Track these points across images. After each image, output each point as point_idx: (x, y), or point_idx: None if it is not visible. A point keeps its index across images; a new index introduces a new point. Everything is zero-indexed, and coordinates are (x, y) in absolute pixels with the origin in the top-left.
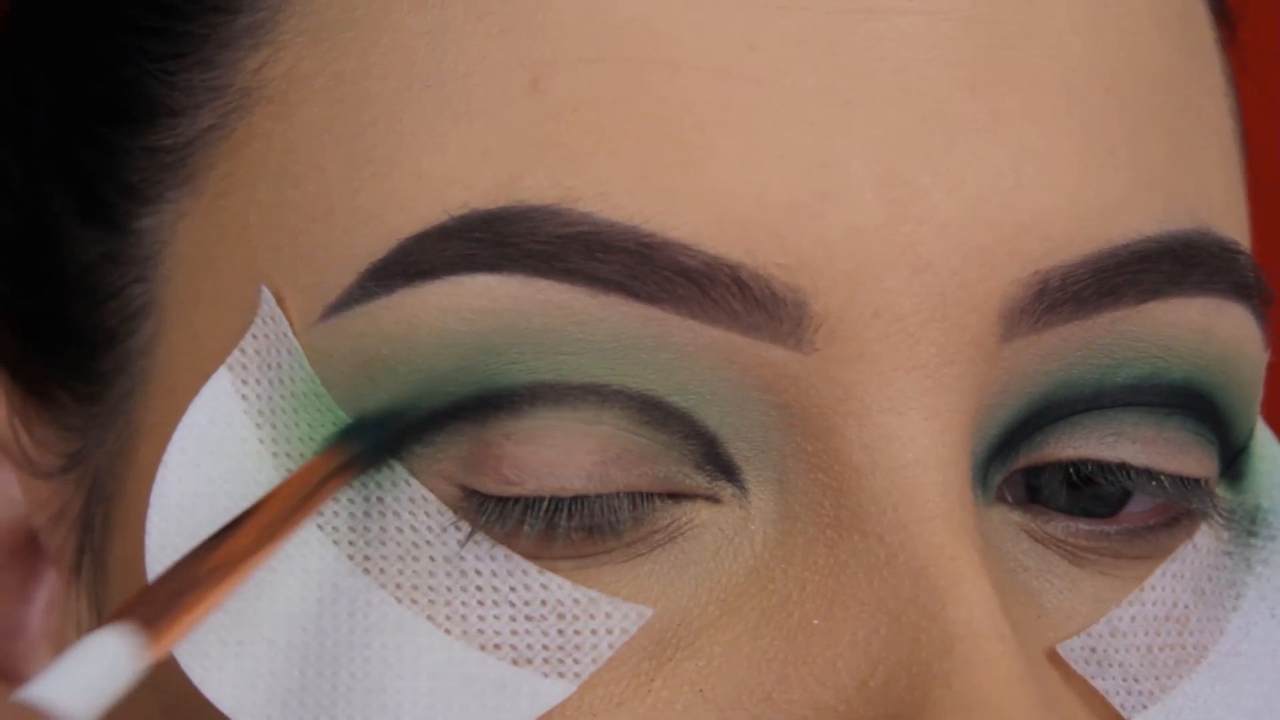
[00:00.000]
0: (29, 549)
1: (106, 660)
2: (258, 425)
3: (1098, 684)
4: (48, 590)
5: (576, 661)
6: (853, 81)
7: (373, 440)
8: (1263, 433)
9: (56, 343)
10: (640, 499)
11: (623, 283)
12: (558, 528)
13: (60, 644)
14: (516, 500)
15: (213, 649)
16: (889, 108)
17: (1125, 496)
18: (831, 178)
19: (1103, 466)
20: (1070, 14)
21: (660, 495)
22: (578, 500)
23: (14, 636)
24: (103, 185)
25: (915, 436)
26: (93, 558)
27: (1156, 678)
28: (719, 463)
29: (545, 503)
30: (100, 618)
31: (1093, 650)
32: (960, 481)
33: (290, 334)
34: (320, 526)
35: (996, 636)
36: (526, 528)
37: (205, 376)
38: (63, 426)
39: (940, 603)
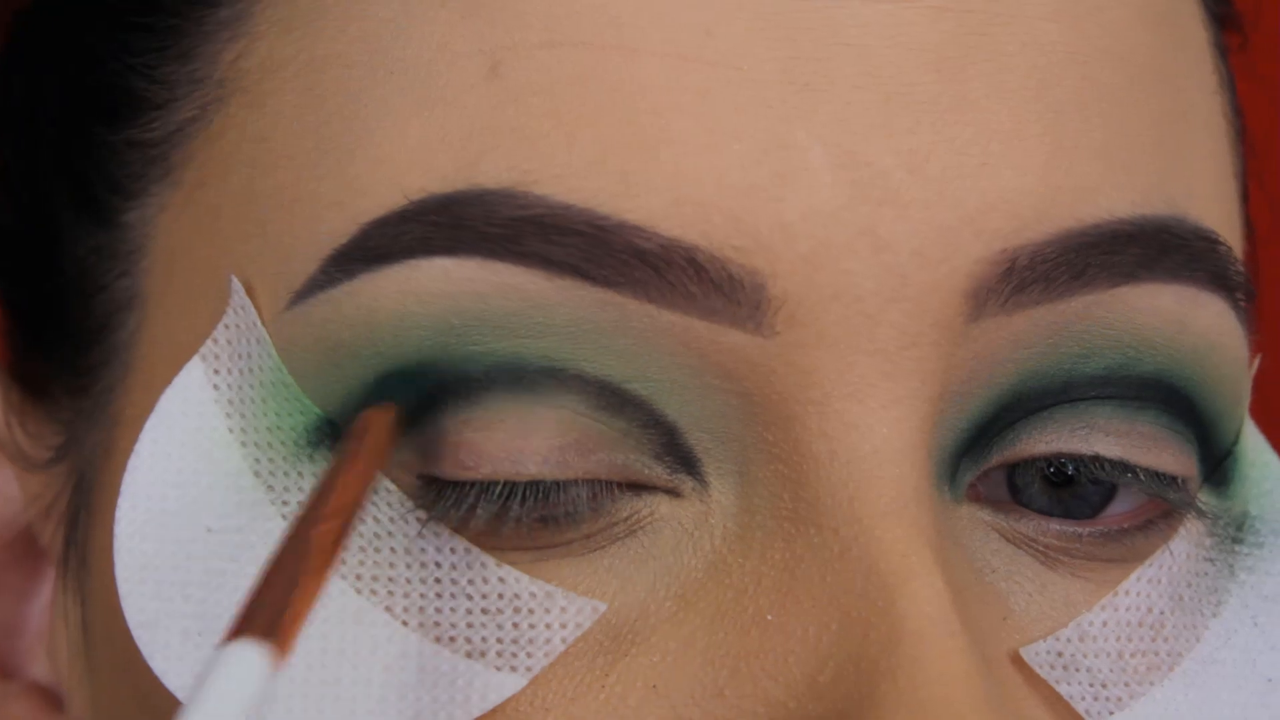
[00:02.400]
0: (31, 547)
1: (246, 682)
2: (228, 415)
3: (1062, 689)
4: (49, 588)
5: (529, 655)
6: (813, 66)
7: (413, 392)
8: (1254, 439)
9: (52, 336)
10: (599, 488)
11: (578, 265)
12: (510, 512)
13: (50, 640)
14: (472, 485)
15: (174, 639)
16: (850, 91)
17: (1106, 499)
18: (789, 160)
19: (1076, 460)
20: (1044, 3)
21: (619, 485)
22: (533, 485)
23: (15, 634)
24: (93, 180)
25: (874, 425)
26: (77, 550)
27: (1126, 684)
28: (679, 454)
29: (499, 487)
30: (84, 612)
31: (1059, 655)
32: (917, 475)
33: (259, 324)
34: (284, 516)
35: (945, 634)
36: (480, 511)
37: (181, 368)
38: (54, 419)
39: (890, 598)
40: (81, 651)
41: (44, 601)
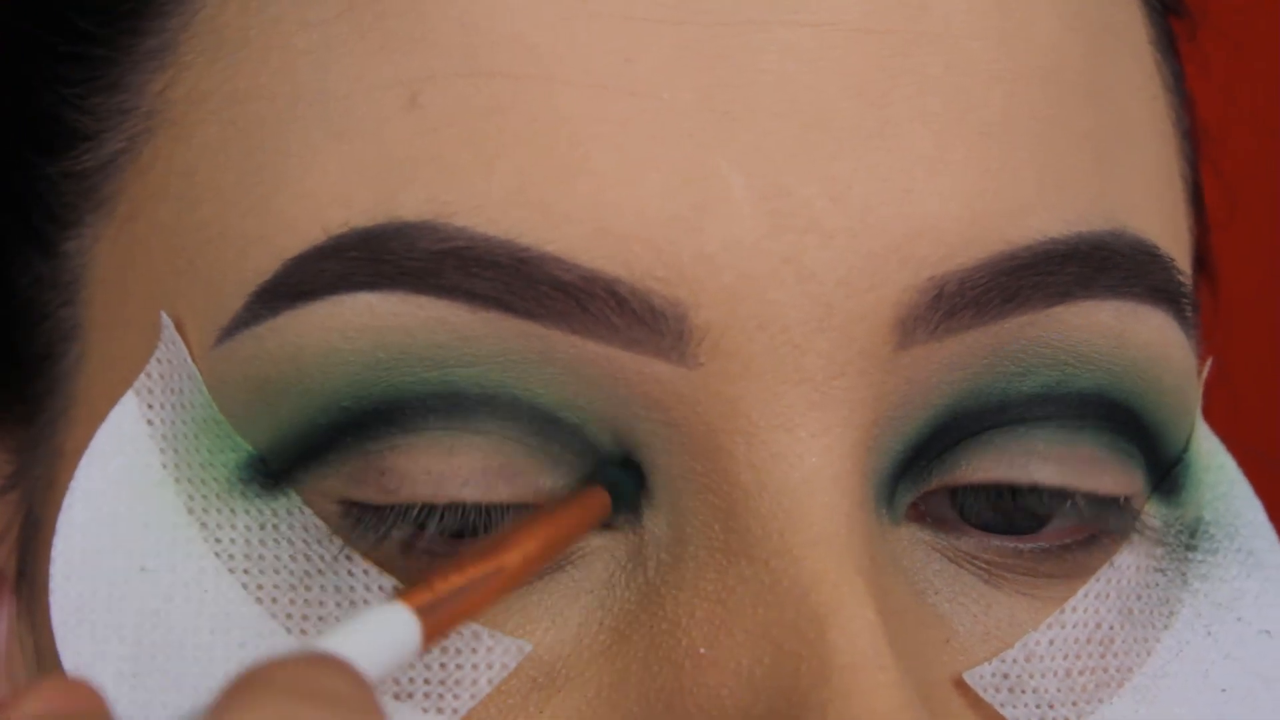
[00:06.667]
0: None
1: (398, 639)
2: (161, 451)
3: (1007, 711)
4: (8, 612)
5: (455, 697)
6: (733, 93)
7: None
8: (1207, 442)
9: (0, 365)
10: (524, 516)
11: (500, 298)
12: (425, 534)
13: (9, 664)
14: (391, 508)
15: (108, 682)
16: (771, 119)
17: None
18: (709, 190)
19: (1016, 490)
20: (969, 21)
21: None
22: (453, 508)
23: None
24: (32, 209)
25: (803, 455)
26: (27, 578)
27: (1074, 703)
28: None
29: (417, 509)
30: (36, 640)
31: (1005, 676)
32: (849, 502)
33: (189, 360)
34: (218, 554)
35: (876, 666)
36: (394, 534)
37: (117, 401)
38: (4, 448)
39: (820, 630)
40: (36, 678)
41: (4, 626)
